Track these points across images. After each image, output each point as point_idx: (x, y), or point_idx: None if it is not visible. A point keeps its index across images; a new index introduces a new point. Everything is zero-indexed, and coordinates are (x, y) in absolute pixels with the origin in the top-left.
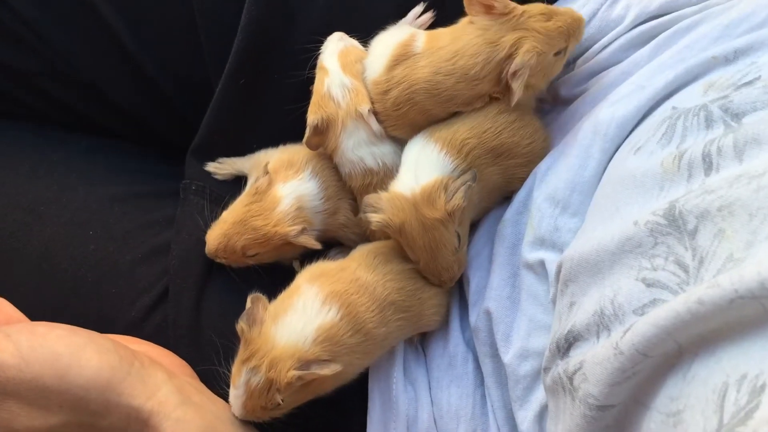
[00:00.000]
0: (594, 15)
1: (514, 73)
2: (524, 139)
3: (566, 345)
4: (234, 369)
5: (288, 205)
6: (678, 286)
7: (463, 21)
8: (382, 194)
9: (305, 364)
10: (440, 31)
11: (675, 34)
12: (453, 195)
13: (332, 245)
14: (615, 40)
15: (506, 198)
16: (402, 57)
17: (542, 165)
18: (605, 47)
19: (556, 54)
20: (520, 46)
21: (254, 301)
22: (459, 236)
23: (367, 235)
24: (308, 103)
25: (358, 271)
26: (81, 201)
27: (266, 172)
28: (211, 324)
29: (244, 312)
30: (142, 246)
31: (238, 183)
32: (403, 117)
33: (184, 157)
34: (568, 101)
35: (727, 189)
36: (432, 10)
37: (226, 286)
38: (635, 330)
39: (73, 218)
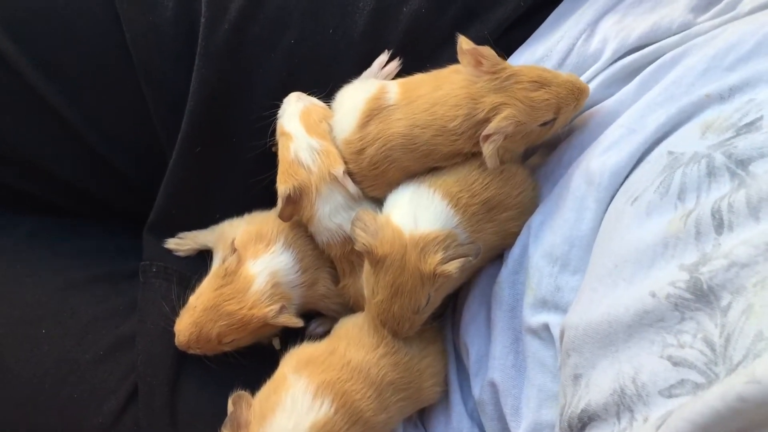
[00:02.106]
0: (570, 51)
1: (487, 137)
2: (514, 189)
3: (580, 425)
4: None
5: (262, 283)
6: (706, 366)
7: (449, 69)
8: (379, 217)
9: None
10: (418, 79)
11: (660, 69)
12: (449, 260)
13: (311, 316)
14: (596, 76)
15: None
16: (374, 111)
17: (534, 219)
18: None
19: (543, 125)
20: (499, 111)
21: (236, 402)
22: (429, 299)
23: (350, 305)
24: (273, 168)
25: (349, 351)
26: (29, 294)
27: (234, 250)
28: (188, 424)
29: (227, 417)
30: (103, 340)
31: (203, 259)
32: (381, 176)
33: (143, 227)
34: (551, 144)
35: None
36: (398, 58)
37: (201, 377)
38: (670, 426)
39: (23, 316)
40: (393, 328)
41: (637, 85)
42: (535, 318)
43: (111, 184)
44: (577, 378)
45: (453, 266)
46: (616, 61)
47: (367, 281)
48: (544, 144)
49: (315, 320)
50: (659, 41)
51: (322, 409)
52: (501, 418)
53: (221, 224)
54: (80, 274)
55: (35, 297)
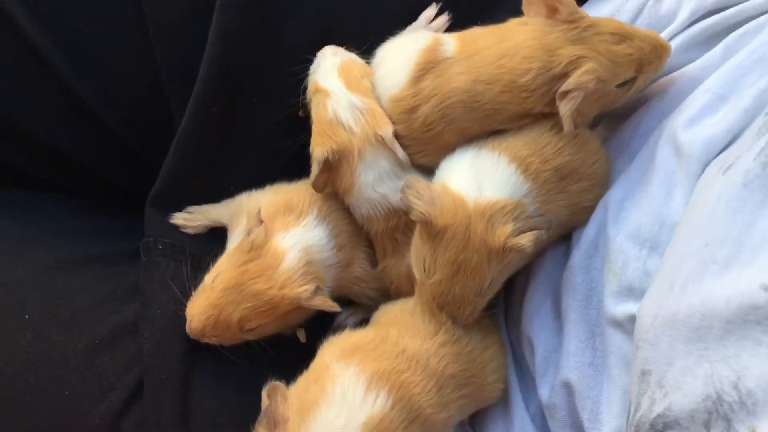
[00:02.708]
0: (640, 10)
1: (565, 94)
2: (589, 156)
3: None
4: None
5: (294, 259)
6: None
7: (513, 22)
8: (433, 185)
9: None
10: (476, 31)
11: (746, 34)
12: (520, 233)
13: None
14: (671, 39)
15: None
16: (430, 64)
17: (613, 195)
18: None
19: (620, 85)
20: (579, 65)
21: (271, 394)
22: (492, 280)
23: (389, 291)
24: (300, 134)
25: (402, 338)
26: (9, 274)
27: (260, 221)
28: (202, 425)
29: (262, 413)
30: (99, 328)
31: (215, 238)
32: (434, 139)
33: (142, 208)
34: (617, 115)
35: None
36: (447, 13)
37: (217, 371)
38: None
39: (1, 299)
40: (453, 312)
41: (722, 51)
42: (620, 308)
43: (109, 153)
44: (644, 375)
45: (527, 239)
46: (692, 23)
47: (419, 259)
48: (611, 113)
49: (346, 309)
50: (740, 2)
51: (377, 403)
52: (576, 425)
53: (238, 197)
54: (71, 253)
55: (16, 277)
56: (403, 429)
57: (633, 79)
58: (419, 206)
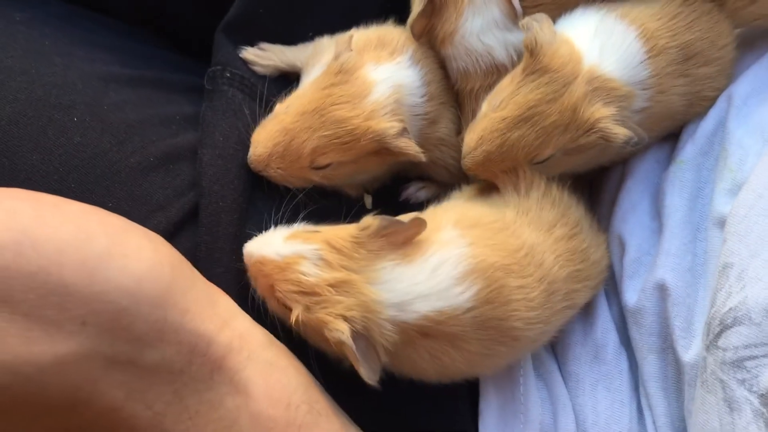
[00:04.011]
0: None
1: None
2: (720, 37)
3: (719, 328)
4: (306, 229)
5: (384, 93)
6: None
7: None
8: (560, 33)
9: (362, 335)
10: None
11: None
12: (618, 122)
13: (407, 180)
14: None
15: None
16: None
17: (738, 89)
18: None
19: None
20: None
21: (413, 224)
22: (551, 158)
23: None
24: None
25: (521, 227)
26: (59, 75)
27: (350, 48)
28: None
29: (392, 218)
30: (154, 147)
31: (285, 84)
32: None
33: (208, 49)
34: None
35: None
36: None
37: (279, 210)
38: None
39: (47, 97)
40: (485, 160)
41: None
42: (730, 206)
43: None
44: (725, 268)
45: (621, 131)
46: None
47: (497, 93)
48: None
49: (415, 183)
50: None
51: (459, 299)
52: (663, 334)
53: (318, 40)
54: (124, 71)
55: (67, 80)
56: (473, 338)
57: None
58: (537, 34)
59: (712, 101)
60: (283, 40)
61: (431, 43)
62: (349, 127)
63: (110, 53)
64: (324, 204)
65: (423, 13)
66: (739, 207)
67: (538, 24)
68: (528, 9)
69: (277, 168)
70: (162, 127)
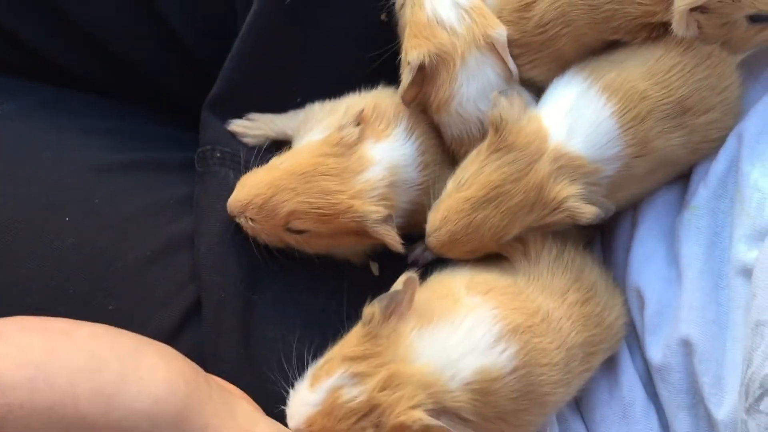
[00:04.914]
0: None
1: None
2: (722, 80)
3: (760, 392)
4: (320, 365)
5: (378, 174)
6: None
7: None
8: (531, 110)
9: (439, 411)
10: None
11: None
12: (585, 201)
13: (410, 239)
14: None
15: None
16: None
17: (748, 126)
18: None
19: (753, 20)
20: None
21: (408, 284)
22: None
23: None
24: (384, 43)
25: (534, 293)
26: (49, 173)
27: (359, 122)
28: (264, 349)
29: (389, 294)
30: (151, 238)
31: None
32: (548, 45)
33: (193, 116)
34: None
35: None
36: None
37: (279, 295)
38: None
39: (39, 198)
40: (450, 240)
41: None
42: (752, 254)
43: (163, 51)
44: (759, 326)
45: (589, 210)
46: None
47: (464, 167)
48: None
49: (420, 243)
50: None
51: (502, 358)
52: (692, 391)
53: (308, 107)
54: (116, 157)
55: (57, 177)
56: (509, 399)
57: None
58: (503, 110)
59: (720, 141)
60: (271, 107)
61: (424, 107)
62: (331, 201)
63: (100, 137)
64: (328, 278)
65: (413, 82)
66: (764, 259)
67: (507, 99)
68: (522, 66)
69: (252, 218)
70: (157, 216)
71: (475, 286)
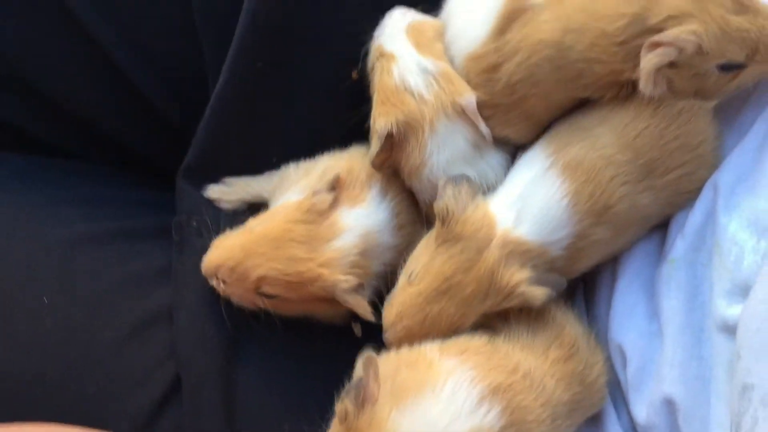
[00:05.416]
0: None
1: (654, 46)
2: (695, 136)
3: None
4: None
5: (350, 242)
6: None
7: None
8: (479, 198)
9: None
10: None
11: None
12: (536, 284)
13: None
14: None
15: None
16: (516, 12)
17: (723, 177)
18: None
19: (723, 68)
20: (681, 22)
21: (367, 366)
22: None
23: None
24: (357, 104)
25: (513, 350)
26: (21, 250)
27: (333, 187)
28: (248, 424)
29: (352, 384)
30: (127, 314)
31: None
32: (518, 105)
33: (172, 181)
34: None
35: None
36: None
37: (262, 364)
38: None
39: (14, 280)
40: (407, 335)
41: None
42: (732, 310)
43: (136, 117)
44: (746, 390)
45: (541, 293)
46: None
47: (414, 258)
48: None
49: None
50: None
51: (488, 419)
52: None
53: (284, 168)
54: (92, 227)
55: (30, 254)
56: None
57: (740, 67)
58: (449, 200)
59: (696, 192)
60: (247, 171)
61: (396, 170)
62: (300, 269)
63: (74, 207)
64: (313, 344)
65: (383, 149)
66: (751, 319)
67: (454, 188)
68: (495, 127)
69: (223, 281)
70: (133, 289)
71: (449, 348)
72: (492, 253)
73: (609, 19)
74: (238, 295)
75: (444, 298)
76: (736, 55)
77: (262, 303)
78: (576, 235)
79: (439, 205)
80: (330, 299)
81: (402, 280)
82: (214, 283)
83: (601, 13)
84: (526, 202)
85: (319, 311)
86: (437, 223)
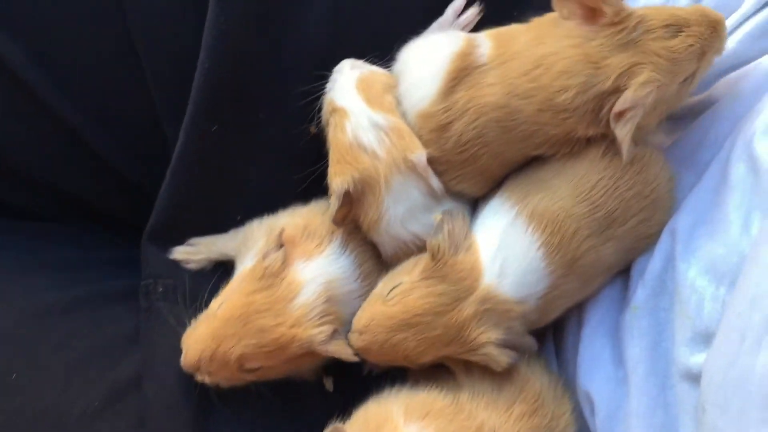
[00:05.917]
0: None
1: (621, 114)
2: (648, 184)
3: None
4: None
5: (312, 294)
6: None
7: (548, 18)
8: (472, 235)
9: None
10: (514, 30)
11: None
12: (504, 346)
13: None
14: (740, 26)
15: None
16: (463, 72)
17: (680, 222)
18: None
19: (683, 81)
20: (633, 75)
21: None
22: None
23: None
24: (315, 158)
25: (477, 409)
26: None
27: (279, 245)
28: None
29: None
30: (97, 386)
31: (223, 273)
32: (470, 162)
33: (136, 235)
34: (686, 114)
35: None
36: (478, 3)
37: (234, 429)
38: None
39: None
40: (366, 349)
41: None
42: (695, 358)
43: (99, 180)
44: None
45: (504, 358)
46: (764, 6)
47: (398, 274)
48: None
49: None
50: None
51: None
52: None
53: (247, 225)
54: (57, 296)
55: (3, 330)
56: None
57: (694, 72)
58: (442, 241)
59: (655, 237)
60: (211, 230)
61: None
62: (273, 336)
63: (42, 275)
64: (283, 405)
65: (341, 208)
66: (714, 373)
67: (451, 223)
68: (448, 182)
69: (207, 371)
70: (103, 358)
71: (413, 410)
72: (469, 306)
73: (555, 90)
74: (225, 379)
75: (410, 330)
76: (690, 68)
77: (250, 377)
78: (549, 286)
79: (431, 243)
80: (311, 353)
81: (380, 287)
82: (199, 378)
83: (544, 83)
84: (507, 254)
85: (305, 365)
86: (428, 257)
